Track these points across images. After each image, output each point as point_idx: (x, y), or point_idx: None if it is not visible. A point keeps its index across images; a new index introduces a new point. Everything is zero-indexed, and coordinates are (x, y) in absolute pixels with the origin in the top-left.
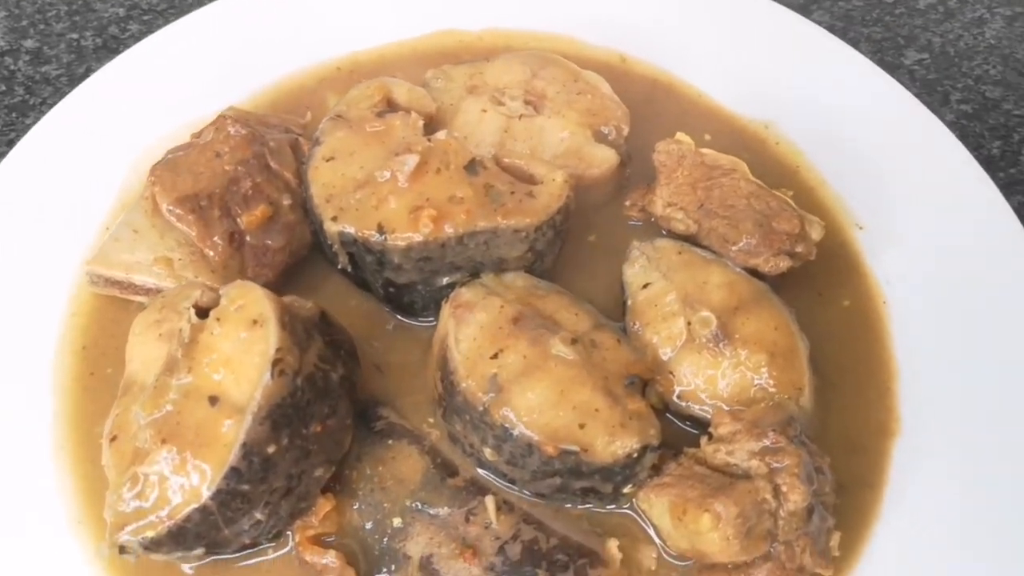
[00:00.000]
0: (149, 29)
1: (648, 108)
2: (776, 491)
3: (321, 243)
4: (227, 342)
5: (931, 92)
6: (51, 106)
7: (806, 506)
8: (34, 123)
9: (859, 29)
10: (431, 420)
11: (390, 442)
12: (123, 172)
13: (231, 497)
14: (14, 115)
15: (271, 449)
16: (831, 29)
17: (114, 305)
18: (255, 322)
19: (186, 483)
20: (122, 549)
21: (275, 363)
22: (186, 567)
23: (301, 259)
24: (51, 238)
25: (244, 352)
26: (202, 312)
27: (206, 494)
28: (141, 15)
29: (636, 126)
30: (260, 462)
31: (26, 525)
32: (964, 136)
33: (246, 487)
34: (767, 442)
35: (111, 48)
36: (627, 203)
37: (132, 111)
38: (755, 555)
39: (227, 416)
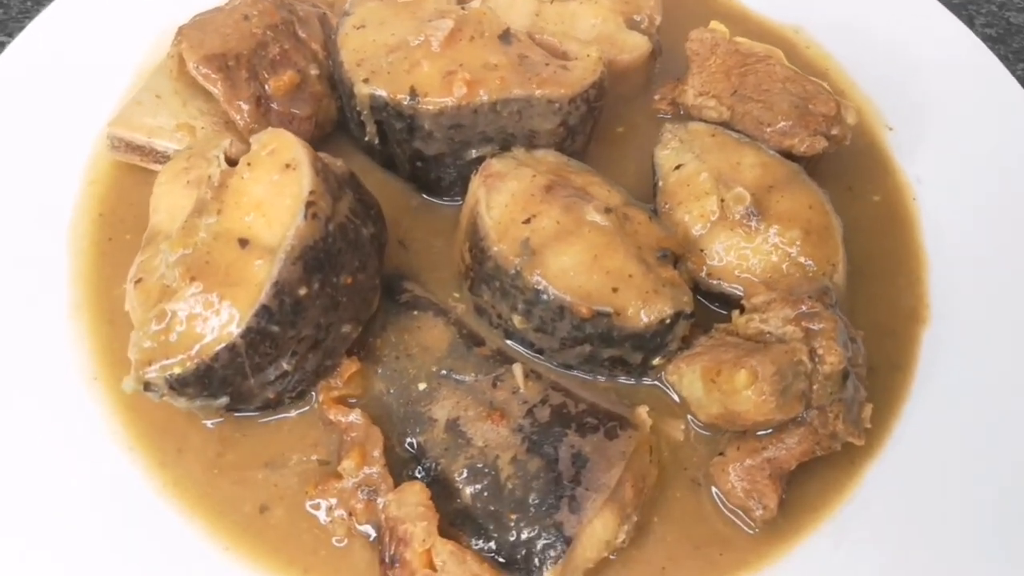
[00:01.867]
0: None
1: (677, 12)
2: (812, 354)
3: (347, 117)
4: (258, 185)
5: (956, 15)
6: None
7: (842, 370)
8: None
9: None
10: (456, 295)
11: (415, 313)
12: (143, 47)
13: (260, 338)
14: (29, 3)
15: (302, 291)
16: None
17: (132, 174)
18: (287, 166)
19: (215, 321)
20: (147, 385)
21: (308, 205)
22: (208, 423)
23: (326, 135)
24: (71, 107)
25: (276, 194)
26: (231, 162)
27: (236, 331)
28: None
29: (665, 25)
30: (291, 303)
31: (43, 382)
32: None
33: (276, 328)
34: (803, 308)
35: None
36: (656, 97)
37: None
38: (790, 415)
39: (258, 257)
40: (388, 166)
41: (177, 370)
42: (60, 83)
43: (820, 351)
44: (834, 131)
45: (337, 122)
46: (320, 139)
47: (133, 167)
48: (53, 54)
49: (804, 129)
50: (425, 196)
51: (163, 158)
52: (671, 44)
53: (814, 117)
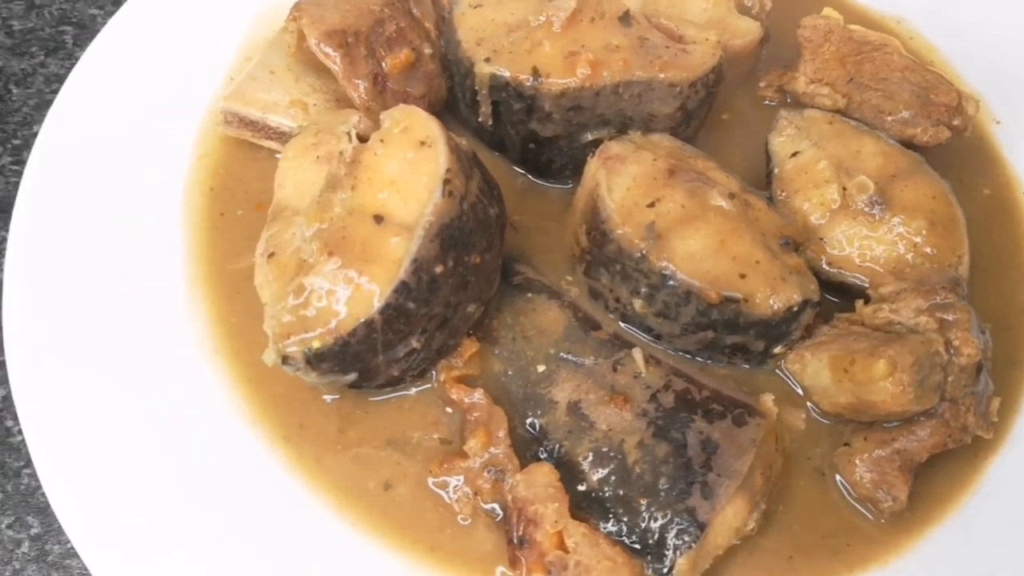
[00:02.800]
0: None
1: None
2: (947, 345)
3: (457, 98)
4: (392, 162)
5: None
6: None
7: (977, 362)
8: None
9: None
10: (569, 278)
11: (529, 295)
12: (246, 24)
13: (396, 315)
14: None
15: (438, 269)
16: None
17: (241, 148)
18: (422, 143)
19: (354, 296)
20: (285, 359)
21: (445, 182)
22: (327, 398)
23: (436, 114)
24: (176, 87)
25: (411, 172)
26: (361, 139)
27: (376, 307)
28: None
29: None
30: (428, 280)
31: (165, 356)
32: None
33: (412, 305)
34: (937, 299)
35: None
36: (762, 84)
37: None
38: (926, 407)
39: (394, 233)
40: (496, 147)
41: (316, 344)
42: (164, 57)
43: (956, 343)
44: (956, 121)
45: (446, 101)
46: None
47: (240, 141)
48: (155, 28)
49: (927, 119)
50: (532, 178)
51: (275, 134)
52: (775, 30)
53: (936, 107)
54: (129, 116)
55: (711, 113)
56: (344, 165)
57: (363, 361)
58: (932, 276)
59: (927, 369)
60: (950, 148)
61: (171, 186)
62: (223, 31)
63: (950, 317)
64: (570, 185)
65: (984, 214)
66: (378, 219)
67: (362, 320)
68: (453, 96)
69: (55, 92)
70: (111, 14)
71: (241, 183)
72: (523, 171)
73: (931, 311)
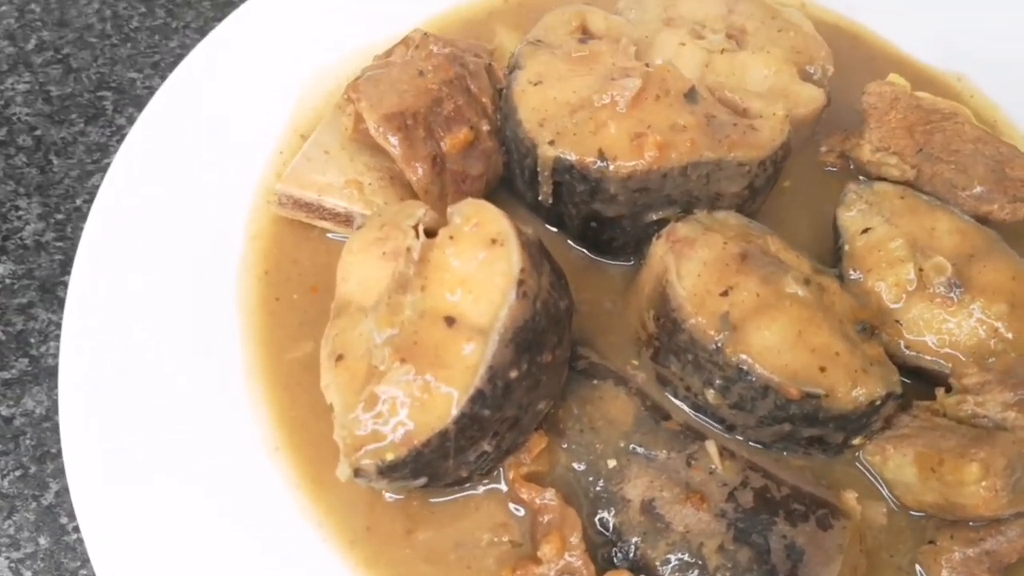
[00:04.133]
0: None
1: (838, 58)
2: None
3: (514, 173)
4: (463, 261)
5: None
6: (194, 29)
7: None
8: (178, 46)
9: None
10: (635, 362)
11: (595, 382)
12: (293, 96)
13: (471, 423)
14: (157, 37)
15: (513, 374)
16: None
17: (294, 230)
18: (494, 241)
19: (428, 405)
20: (358, 472)
21: (519, 284)
22: (388, 496)
23: (493, 190)
24: (226, 161)
25: (484, 272)
26: (428, 234)
27: (452, 416)
28: None
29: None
30: (503, 387)
31: (224, 453)
32: None
33: (486, 412)
34: None
35: None
36: (823, 149)
37: (300, 34)
38: (1019, 509)
39: (467, 338)
40: (554, 223)
41: (390, 456)
42: (210, 134)
43: None
44: None
45: (502, 177)
46: (488, 194)
47: (292, 221)
48: (199, 102)
49: (1003, 194)
50: (591, 255)
51: (330, 215)
52: (835, 92)
53: (1012, 182)
54: (177, 198)
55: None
56: (412, 264)
57: (434, 467)
58: (1018, 367)
59: (1020, 471)
60: None
61: (224, 271)
62: (270, 102)
63: None
64: (631, 262)
65: None
66: (450, 321)
67: (437, 431)
68: (510, 171)
69: (96, 163)
70: (150, 77)
71: (295, 265)
72: (582, 247)
73: (1019, 405)
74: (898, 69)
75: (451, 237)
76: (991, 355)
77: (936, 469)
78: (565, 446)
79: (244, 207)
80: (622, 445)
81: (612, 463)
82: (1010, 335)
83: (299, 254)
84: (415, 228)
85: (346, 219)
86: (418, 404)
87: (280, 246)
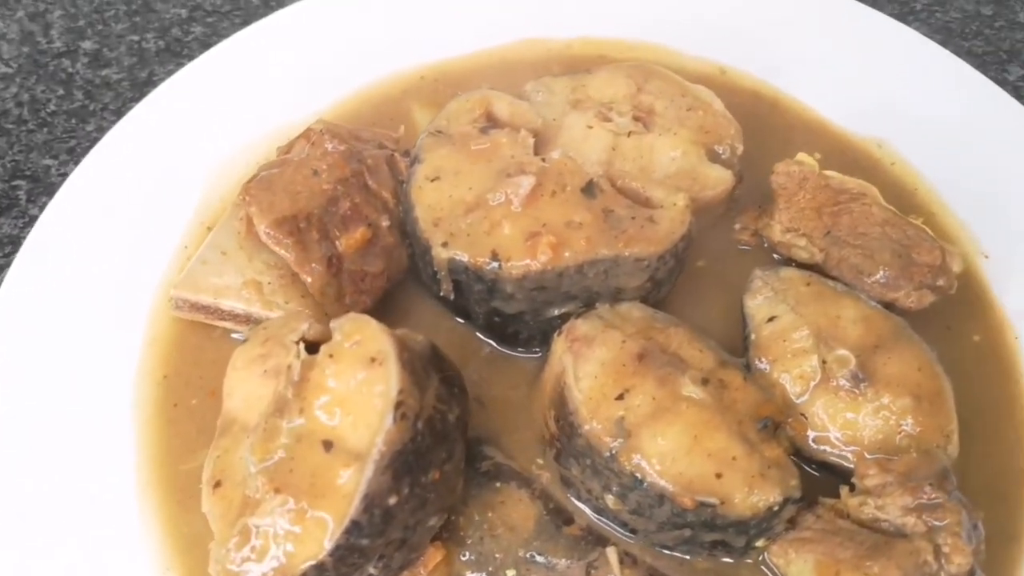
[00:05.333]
0: (213, 31)
1: (752, 124)
2: (937, 551)
3: (418, 267)
4: (342, 382)
5: None
6: (113, 112)
7: (969, 570)
8: (95, 130)
9: (959, 43)
10: (540, 461)
11: (498, 485)
12: (198, 187)
13: (348, 553)
14: (73, 121)
15: (392, 500)
16: None
17: (196, 331)
18: (373, 360)
19: (303, 537)
20: None
21: (397, 406)
22: None
23: (396, 284)
24: (126, 259)
25: (362, 393)
26: (310, 347)
27: (326, 549)
28: (204, 16)
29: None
30: (381, 514)
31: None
32: None
33: (365, 541)
34: (924, 498)
35: (174, 51)
36: (737, 226)
37: (207, 122)
38: None
39: (344, 464)
40: (462, 316)
41: None
42: (112, 232)
43: (946, 549)
44: (940, 282)
45: (407, 268)
46: (391, 289)
47: (194, 322)
48: (102, 201)
49: (909, 281)
50: (499, 347)
51: (229, 316)
52: (748, 164)
53: (919, 267)
54: (76, 299)
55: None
56: (291, 385)
57: None
58: (919, 468)
59: None
60: None
61: (121, 378)
62: (176, 193)
63: (939, 522)
64: (538, 353)
65: (975, 365)
66: (328, 446)
67: (311, 563)
68: (415, 263)
69: (7, 256)
70: (65, 164)
71: (196, 368)
72: (490, 339)
73: (919, 511)
74: (818, 135)
75: (331, 355)
76: (896, 451)
77: None
78: (464, 557)
79: (145, 307)
80: (521, 554)
81: (511, 573)
82: (916, 431)
83: (200, 356)
84: (298, 343)
85: (247, 319)
86: (292, 537)
87: (180, 349)
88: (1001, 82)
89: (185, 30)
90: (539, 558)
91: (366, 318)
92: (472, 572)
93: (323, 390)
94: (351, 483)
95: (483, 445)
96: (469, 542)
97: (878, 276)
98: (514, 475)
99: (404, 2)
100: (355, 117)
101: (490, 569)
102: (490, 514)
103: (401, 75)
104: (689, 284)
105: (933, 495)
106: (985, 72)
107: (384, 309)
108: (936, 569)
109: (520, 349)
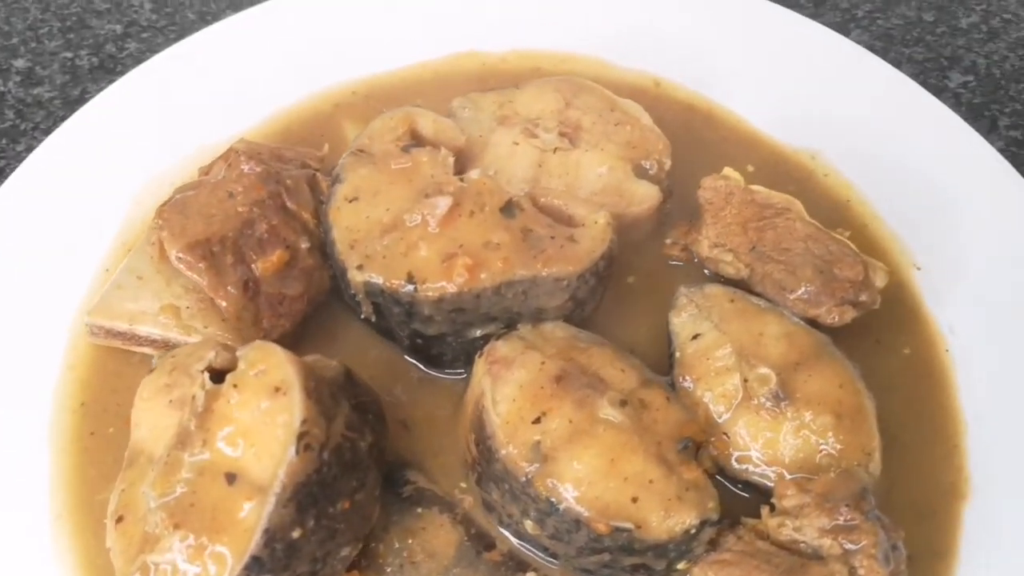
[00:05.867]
0: (148, 48)
1: (685, 136)
2: (852, 574)
3: (341, 289)
4: (246, 412)
5: (978, 117)
6: (44, 131)
7: None
8: (25, 150)
9: (900, 49)
10: (463, 485)
11: (419, 510)
12: (123, 208)
13: None
14: (4, 141)
15: (296, 534)
16: (870, 50)
17: (115, 357)
18: (277, 389)
19: (202, 574)
20: None
21: (300, 436)
22: None
23: (319, 305)
24: (45, 283)
25: (265, 424)
26: (217, 375)
27: None
28: (139, 32)
29: (674, 156)
30: (283, 548)
31: None
32: (1017, 164)
33: None
34: (840, 519)
35: (108, 68)
36: (667, 241)
37: (133, 140)
38: None
39: (246, 497)
40: (387, 337)
41: None
42: (30, 255)
43: (861, 572)
44: (862, 297)
45: (331, 289)
46: (312, 312)
47: (112, 348)
48: (22, 223)
49: (830, 297)
50: (425, 369)
51: (147, 342)
52: (680, 177)
53: (840, 283)
54: None
55: (615, 277)
56: (195, 416)
57: None
58: (837, 488)
59: None
60: None
61: (38, 406)
62: (94, 222)
63: (854, 545)
64: (463, 374)
65: (905, 378)
66: (231, 478)
67: None
68: (337, 284)
69: None
70: None
71: (114, 395)
72: (415, 360)
73: (835, 533)
74: (752, 147)
75: (235, 385)
76: (817, 470)
77: None
78: None
79: (63, 333)
80: None
81: None
82: (836, 449)
83: (118, 383)
84: (203, 372)
85: (165, 345)
86: (191, 573)
87: (99, 375)
88: (942, 88)
89: (120, 46)
90: None
91: (272, 346)
92: None
93: (227, 420)
94: (252, 517)
95: (406, 469)
96: (388, 570)
97: (800, 292)
98: (436, 500)
99: (337, 16)
100: (285, 134)
101: None
102: (410, 540)
103: (333, 91)
104: (618, 301)
105: (849, 516)
106: (926, 78)
107: (308, 332)
108: None
109: (447, 370)
